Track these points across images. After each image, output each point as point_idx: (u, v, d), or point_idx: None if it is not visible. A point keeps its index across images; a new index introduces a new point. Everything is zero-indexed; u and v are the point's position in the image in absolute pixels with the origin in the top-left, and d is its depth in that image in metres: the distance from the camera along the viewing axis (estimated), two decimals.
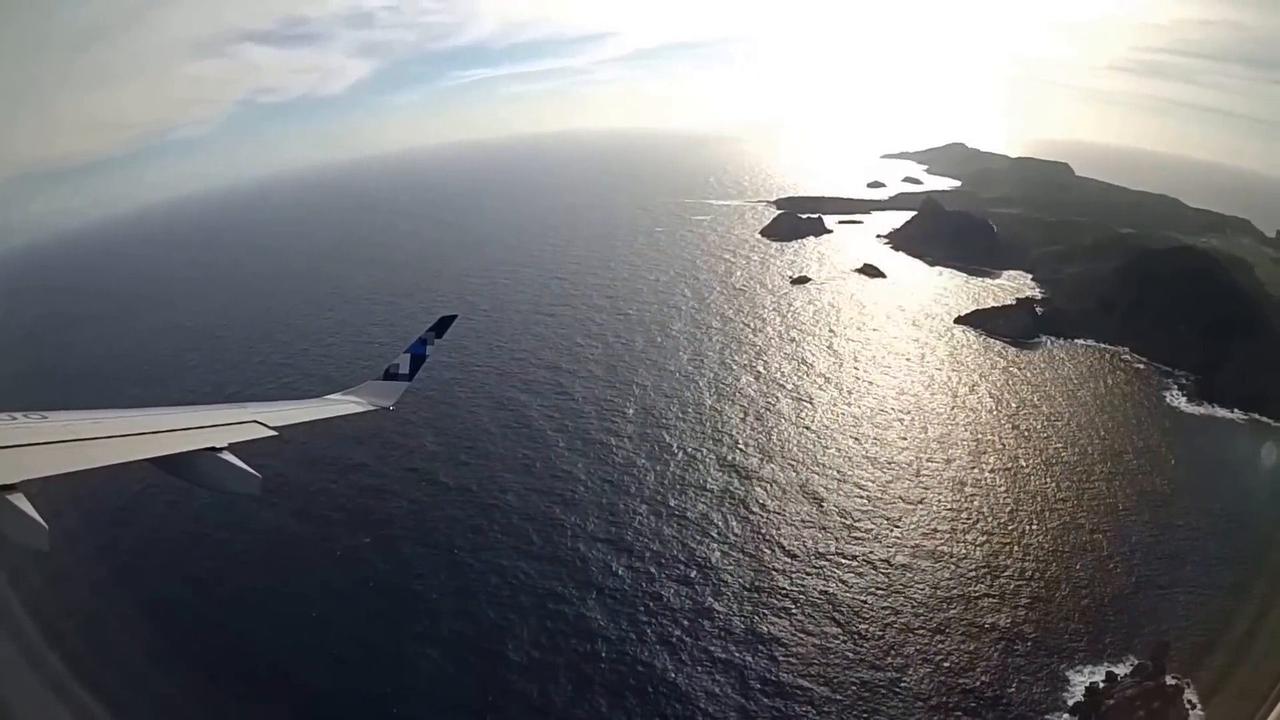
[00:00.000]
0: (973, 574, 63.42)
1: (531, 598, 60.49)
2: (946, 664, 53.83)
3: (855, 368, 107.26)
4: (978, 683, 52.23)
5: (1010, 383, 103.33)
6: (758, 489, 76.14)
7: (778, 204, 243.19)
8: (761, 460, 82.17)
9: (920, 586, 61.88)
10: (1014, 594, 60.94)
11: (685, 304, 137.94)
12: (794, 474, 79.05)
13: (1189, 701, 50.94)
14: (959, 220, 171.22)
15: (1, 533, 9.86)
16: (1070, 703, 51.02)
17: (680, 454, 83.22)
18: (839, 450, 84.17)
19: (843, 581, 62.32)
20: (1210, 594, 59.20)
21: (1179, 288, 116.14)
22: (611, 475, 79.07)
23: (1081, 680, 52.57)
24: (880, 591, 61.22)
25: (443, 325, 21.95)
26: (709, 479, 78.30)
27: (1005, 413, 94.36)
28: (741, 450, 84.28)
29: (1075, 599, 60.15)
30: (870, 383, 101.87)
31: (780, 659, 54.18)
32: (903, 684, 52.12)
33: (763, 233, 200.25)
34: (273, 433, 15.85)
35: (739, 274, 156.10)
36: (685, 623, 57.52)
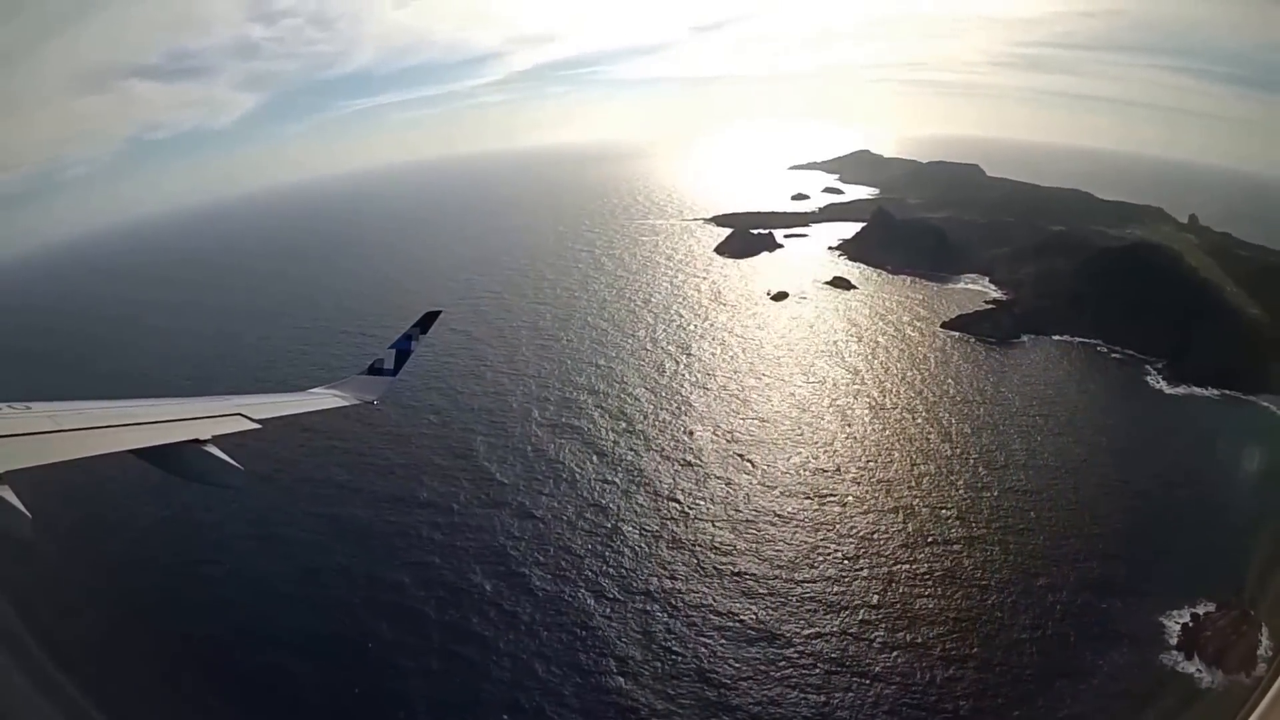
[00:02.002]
0: (1065, 542, 71.20)
1: (709, 630, 61.13)
2: (1069, 618, 61.29)
3: (888, 377, 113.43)
4: (1101, 630, 59.95)
5: (1026, 380, 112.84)
6: (870, 494, 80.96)
7: (717, 221, 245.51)
8: (866, 463, 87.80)
9: (1027, 556, 69.26)
10: (1103, 556, 68.90)
11: (691, 323, 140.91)
12: (893, 476, 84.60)
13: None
14: (911, 228, 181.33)
15: None
16: (1173, 640, 59.16)
17: (776, 468, 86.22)
18: (921, 451, 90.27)
19: (965, 561, 68.77)
20: (1244, 537, 66.72)
21: (1140, 282, 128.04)
22: (727, 496, 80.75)
23: (1172, 622, 60.77)
24: (999, 564, 68.31)
25: (427, 321, 22.45)
26: (827, 486, 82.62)
27: (1034, 407, 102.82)
28: (837, 457, 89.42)
29: (1146, 557, 68.08)
30: (911, 391, 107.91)
31: (941, 635, 59.82)
32: (1054, 633, 59.71)
33: (717, 250, 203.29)
34: (256, 425, 16.19)
35: (723, 292, 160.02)
36: (850, 628, 60.85)
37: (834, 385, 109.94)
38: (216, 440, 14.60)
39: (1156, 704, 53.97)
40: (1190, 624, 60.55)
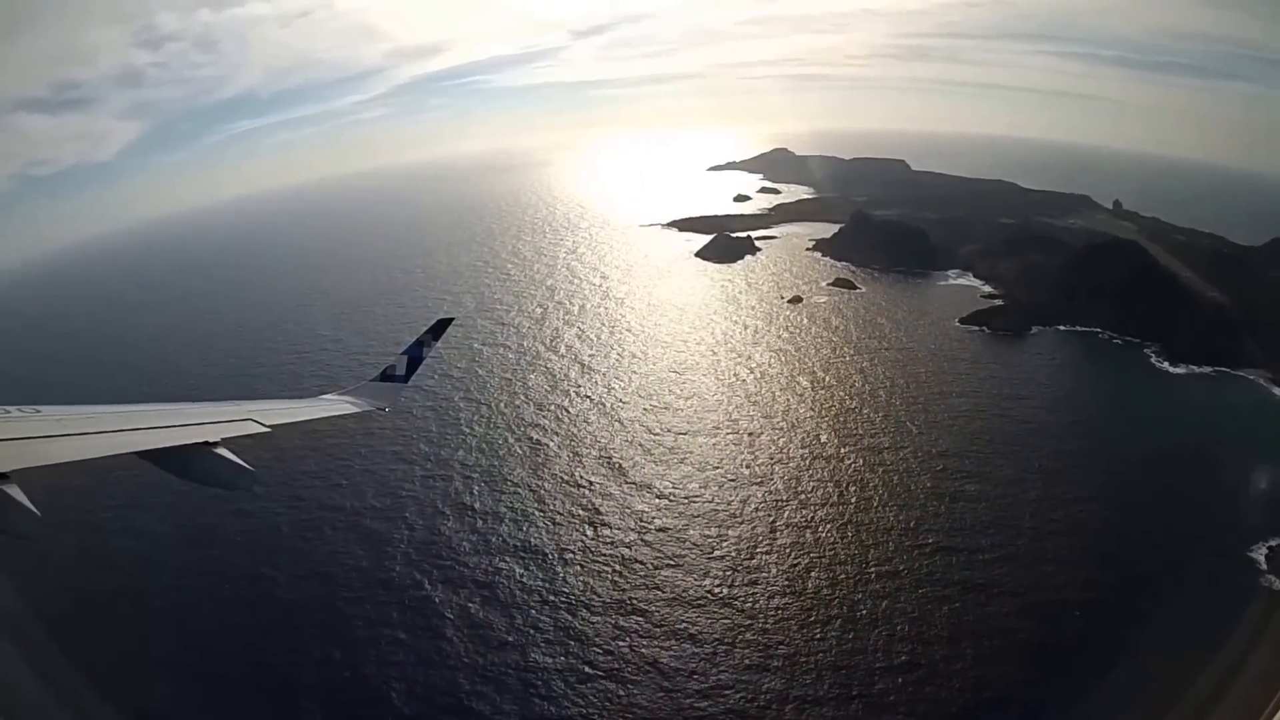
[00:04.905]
0: (1147, 494, 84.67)
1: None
2: (1184, 554, 73.69)
3: (950, 370, 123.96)
4: (1206, 561, 72.17)
5: (1056, 367, 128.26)
6: (986, 469, 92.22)
7: (678, 226, 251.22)
8: (968, 448, 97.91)
9: (1123, 506, 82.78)
10: (1182, 504, 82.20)
11: (738, 333, 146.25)
12: (1014, 458, 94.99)
13: None
14: (891, 228, 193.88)
15: None
16: (1264, 566, 72.89)
17: (900, 470, 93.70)
18: (1007, 434, 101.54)
19: (1082, 516, 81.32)
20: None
21: (1121, 274, 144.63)
22: (877, 497, 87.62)
23: (1255, 555, 74.32)
24: (1106, 514, 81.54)
25: (439, 328, 22.70)
26: (954, 467, 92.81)
27: (1075, 388, 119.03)
28: (952, 443, 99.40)
29: (1214, 506, 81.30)
30: (975, 382, 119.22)
31: (1078, 576, 71.24)
32: (1166, 567, 71.62)
33: (699, 255, 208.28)
34: (266, 429, 16.22)
35: (742, 299, 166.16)
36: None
37: (906, 384, 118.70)
38: (226, 443, 14.63)
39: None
40: (1269, 554, 74.38)
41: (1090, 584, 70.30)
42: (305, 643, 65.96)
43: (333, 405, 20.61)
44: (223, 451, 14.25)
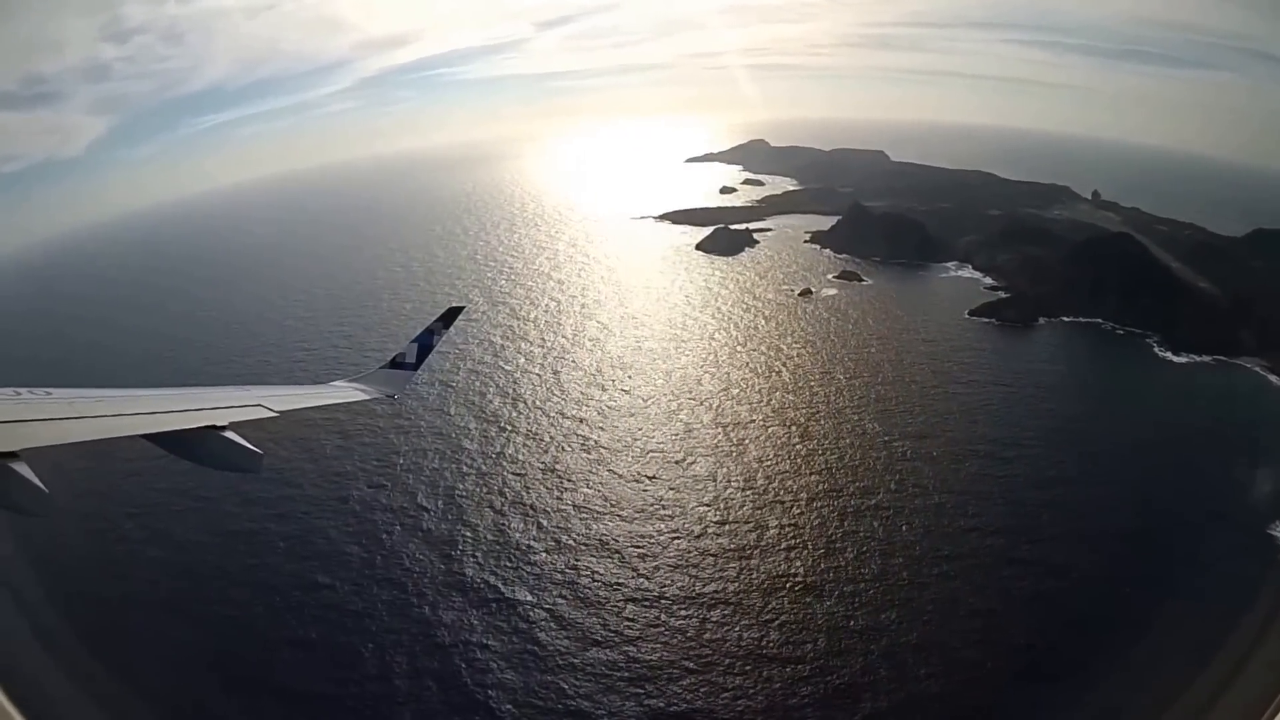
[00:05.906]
0: (1173, 479, 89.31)
1: None
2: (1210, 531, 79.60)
3: (975, 361, 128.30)
4: (1231, 539, 77.06)
5: (1068, 358, 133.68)
6: (1031, 452, 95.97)
7: (671, 219, 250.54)
8: (1007, 430, 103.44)
9: (1153, 485, 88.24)
10: (1208, 485, 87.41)
11: (764, 323, 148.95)
12: (1041, 443, 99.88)
13: None
14: (889, 221, 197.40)
15: (5, 499, 10.57)
16: None
17: (953, 449, 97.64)
18: (1034, 417, 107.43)
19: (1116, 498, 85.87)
20: None
21: (1120, 266, 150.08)
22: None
23: (1274, 532, 79.10)
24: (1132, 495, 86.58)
25: (450, 316, 22.71)
26: (997, 452, 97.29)
27: (1090, 377, 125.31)
28: (999, 426, 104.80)
29: (1233, 487, 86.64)
30: (1000, 371, 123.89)
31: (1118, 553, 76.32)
32: (1195, 541, 76.68)
33: (699, 248, 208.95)
34: (274, 414, 16.30)
35: (756, 292, 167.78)
36: None
37: (933, 375, 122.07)
38: (234, 427, 14.71)
39: None
40: None
41: (1126, 560, 75.05)
42: (388, 653, 65.35)
43: (342, 392, 20.82)
44: (231, 435, 14.40)
